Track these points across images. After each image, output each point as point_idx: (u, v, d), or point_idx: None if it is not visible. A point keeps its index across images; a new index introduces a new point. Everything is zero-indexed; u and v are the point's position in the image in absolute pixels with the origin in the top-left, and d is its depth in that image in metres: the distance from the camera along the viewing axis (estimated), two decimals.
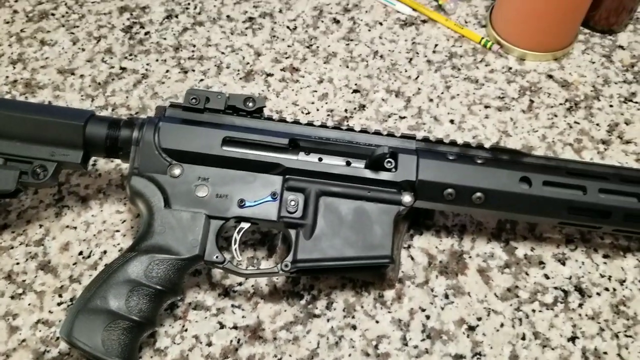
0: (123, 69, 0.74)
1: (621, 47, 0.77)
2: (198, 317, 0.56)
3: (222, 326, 0.56)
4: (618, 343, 0.55)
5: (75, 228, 0.61)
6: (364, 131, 0.57)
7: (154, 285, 0.50)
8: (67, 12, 0.79)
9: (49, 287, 0.58)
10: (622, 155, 0.67)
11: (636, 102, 0.71)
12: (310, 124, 0.57)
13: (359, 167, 0.55)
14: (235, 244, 0.54)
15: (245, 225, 0.54)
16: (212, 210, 0.53)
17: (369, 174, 0.54)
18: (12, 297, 0.56)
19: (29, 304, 0.56)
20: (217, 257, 0.53)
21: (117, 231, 0.61)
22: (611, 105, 0.71)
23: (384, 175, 0.54)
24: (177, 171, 0.54)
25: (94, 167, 0.65)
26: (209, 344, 0.55)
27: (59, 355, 0.54)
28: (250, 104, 0.57)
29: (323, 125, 0.57)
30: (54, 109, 0.57)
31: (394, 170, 0.54)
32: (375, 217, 0.54)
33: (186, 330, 0.56)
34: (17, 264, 0.59)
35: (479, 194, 0.54)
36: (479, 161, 0.55)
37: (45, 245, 0.60)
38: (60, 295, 0.57)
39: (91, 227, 0.61)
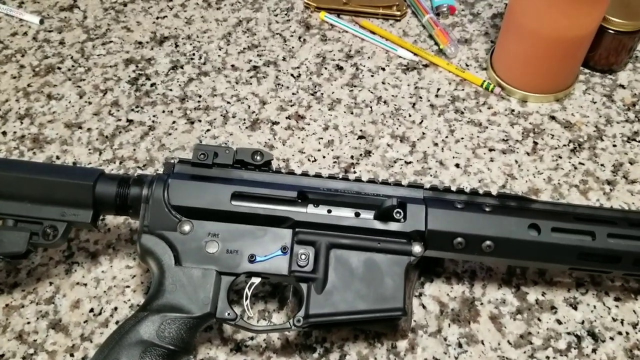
0: (130, 121, 0.74)
1: (622, 86, 0.77)
2: None
3: None
4: None
5: (85, 285, 0.61)
6: (371, 181, 0.57)
7: (167, 345, 0.50)
8: (73, 66, 0.81)
9: (60, 346, 0.57)
10: (628, 195, 0.67)
11: (639, 142, 0.72)
12: (318, 175, 0.58)
13: (368, 218, 0.55)
14: (246, 300, 0.54)
15: (257, 280, 0.54)
16: (222, 267, 0.53)
17: (378, 225, 0.55)
18: (24, 358, 0.56)
19: None
20: (229, 314, 0.53)
21: (128, 287, 0.61)
22: (614, 145, 0.71)
23: (393, 226, 0.54)
24: (187, 228, 0.54)
25: (103, 222, 0.65)
26: None
27: None
28: (258, 158, 0.57)
29: (331, 177, 0.57)
30: (63, 169, 0.57)
31: (403, 220, 0.55)
32: (386, 269, 0.54)
33: None
34: (28, 323, 0.58)
35: (488, 242, 0.54)
36: (487, 209, 0.55)
37: (55, 304, 0.60)
38: (72, 355, 0.57)
39: (101, 284, 0.61)
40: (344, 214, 0.55)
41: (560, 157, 0.70)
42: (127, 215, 0.56)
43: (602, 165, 0.70)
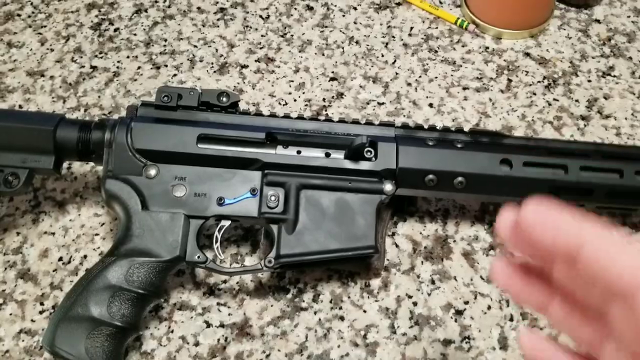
0: (94, 67, 0.72)
1: (597, 20, 0.76)
2: (184, 317, 0.55)
3: (208, 325, 0.55)
4: None
5: (53, 234, 0.60)
6: (342, 121, 0.56)
7: (136, 289, 0.50)
8: (33, 12, 0.77)
9: (29, 295, 0.57)
10: (602, 130, 0.66)
11: (614, 77, 0.71)
12: (287, 116, 0.56)
13: (338, 158, 0.54)
14: (217, 243, 0.53)
15: (226, 223, 0.53)
16: (191, 210, 0.52)
17: (348, 164, 0.54)
18: None
19: (10, 314, 0.55)
20: (198, 257, 0.52)
21: (97, 235, 0.60)
22: (589, 81, 0.71)
23: (364, 165, 0.54)
24: (152, 172, 0.53)
25: (69, 171, 0.64)
26: (196, 344, 0.54)
27: None
28: (224, 99, 0.56)
29: (300, 117, 0.56)
30: (22, 114, 0.56)
31: (373, 159, 0.54)
32: (358, 208, 0.53)
33: (172, 331, 0.55)
34: None
35: (460, 178, 0.54)
36: (458, 145, 0.55)
37: (23, 253, 0.59)
38: (41, 304, 0.56)
39: (70, 232, 0.60)
40: (313, 154, 0.54)
41: (535, 94, 0.69)
42: (90, 160, 0.55)
43: (576, 100, 0.69)
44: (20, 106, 0.68)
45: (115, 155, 0.53)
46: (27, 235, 0.60)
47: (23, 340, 0.54)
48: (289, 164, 0.54)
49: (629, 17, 0.77)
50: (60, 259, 0.59)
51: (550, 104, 0.69)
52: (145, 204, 0.52)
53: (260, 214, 0.53)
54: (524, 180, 0.54)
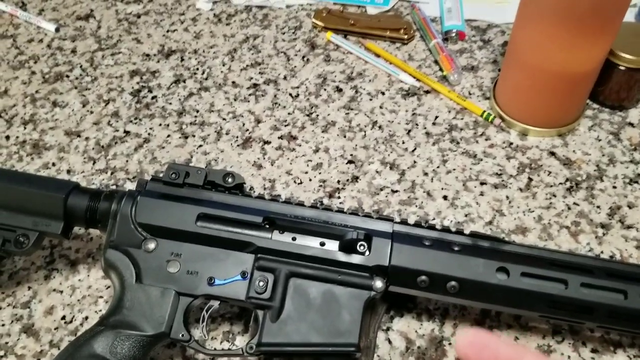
0: (127, 132, 0.76)
1: (631, 124, 0.74)
2: None
3: None
4: None
5: (61, 292, 0.62)
6: (340, 211, 0.57)
7: None
8: (80, 75, 0.83)
9: (29, 350, 0.59)
10: (621, 241, 0.64)
11: None
12: (287, 201, 0.57)
13: (331, 250, 0.54)
14: (203, 322, 0.54)
15: (215, 303, 0.54)
16: (181, 287, 0.54)
17: (341, 256, 0.54)
18: None
19: None
20: (182, 335, 0.53)
21: (101, 297, 0.62)
22: (614, 187, 0.68)
23: (355, 259, 0.53)
24: (151, 245, 0.55)
25: (86, 232, 0.66)
26: None
27: None
28: (230, 180, 0.57)
29: (299, 204, 0.57)
30: (39, 179, 0.59)
31: (367, 253, 0.53)
32: (345, 302, 0.53)
33: None
34: (3, 325, 0.60)
35: (453, 282, 0.53)
36: (455, 248, 0.54)
37: (31, 308, 0.61)
38: None
39: (76, 292, 0.62)
40: (308, 243, 0.54)
41: (555, 196, 0.68)
42: (96, 228, 0.57)
43: (598, 207, 0.66)
44: (53, 164, 0.73)
45: (118, 226, 0.55)
46: (37, 291, 0.62)
47: None
48: (282, 251, 0.54)
49: None
50: (63, 317, 0.61)
51: (569, 208, 0.66)
52: (139, 277, 0.54)
53: (248, 298, 0.53)
54: (520, 292, 0.52)
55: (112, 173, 0.72)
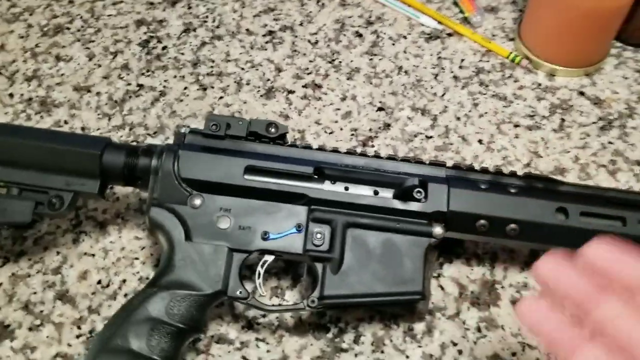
0: (140, 86, 0.72)
1: None
2: (221, 351, 0.54)
3: None
4: None
5: (93, 255, 0.59)
6: (391, 158, 0.55)
7: (176, 323, 0.49)
8: (82, 26, 0.78)
9: (67, 318, 0.56)
10: None
11: None
12: (335, 150, 0.55)
13: (387, 197, 0.52)
14: (259, 278, 0.52)
15: (270, 258, 0.52)
16: (234, 243, 0.51)
17: (398, 204, 0.52)
18: (30, 329, 0.55)
19: (47, 336, 0.55)
20: (240, 292, 0.51)
21: (136, 258, 0.59)
22: None
23: (413, 206, 0.52)
24: (197, 202, 0.52)
25: (112, 191, 0.63)
26: None
27: None
28: (273, 130, 0.55)
29: (349, 152, 0.55)
30: (69, 136, 0.55)
31: (423, 200, 0.52)
32: (405, 250, 0.52)
33: None
34: (35, 293, 0.57)
35: (513, 225, 0.52)
36: (512, 190, 0.53)
37: (62, 274, 0.58)
38: (79, 327, 0.55)
39: (110, 255, 0.59)
40: (362, 192, 0.53)
41: (589, 135, 0.67)
42: (135, 186, 0.54)
43: (632, 145, 0.66)
44: (65, 122, 0.68)
45: (161, 183, 0.52)
46: (67, 256, 0.59)
47: None
48: (336, 201, 0.52)
49: None
50: (99, 282, 0.58)
51: (605, 147, 0.66)
52: (188, 235, 0.51)
53: (305, 251, 0.51)
54: (579, 231, 0.52)
55: (130, 129, 0.68)
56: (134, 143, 0.66)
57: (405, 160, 0.55)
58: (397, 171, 0.54)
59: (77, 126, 0.68)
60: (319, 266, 0.51)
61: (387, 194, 0.53)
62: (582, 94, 0.71)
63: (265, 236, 0.52)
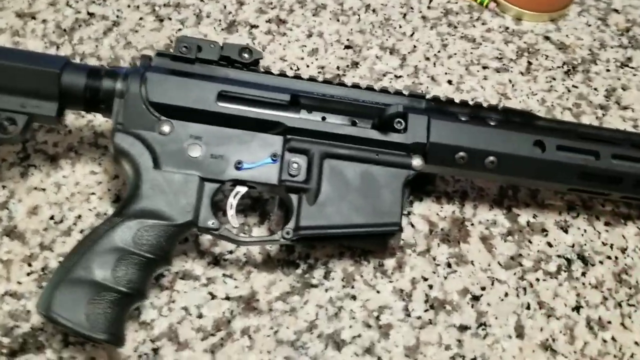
0: (91, 14, 0.66)
1: (616, 10, 0.74)
2: (187, 287, 0.52)
3: (213, 297, 0.52)
4: (621, 312, 0.55)
5: (44, 190, 0.55)
6: (370, 88, 0.53)
7: (144, 253, 0.46)
8: None
9: (16, 255, 0.52)
10: (620, 121, 0.65)
11: (632, 68, 0.70)
12: (312, 79, 0.53)
13: (365, 128, 0.51)
14: (231, 209, 0.49)
15: (242, 190, 0.50)
16: (206, 172, 0.48)
17: (376, 135, 0.51)
18: None
19: None
20: (212, 223, 0.48)
21: (93, 194, 0.55)
22: (608, 70, 0.69)
23: (393, 137, 0.51)
24: (166, 128, 0.48)
25: (63, 124, 0.58)
26: (200, 316, 0.51)
27: (31, 331, 0.49)
28: (247, 55, 0.52)
29: (326, 81, 0.53)
30: (25, 53, 0.50)
31: (403, 131, 0.51)
32: (384, 182, 0.50)
33: (174, 301, 0.51)
34: None
35: (491, 158, 0.51)
36: (492, 123, 0.52)
37: (10, 209, 0.54)
38: (29, 265, 0.51)
39: (63, 189, 0.55)
40: (339, 122, 0.51)
41: (554, 79, 0.67)
42: (97, 111, 0.50)
43: (595, 89, 0.67)
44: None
45: (126, 107, 0.48)
46: (15, 190, 0.55)
47: (7, 304, 0.50)
48: (313, 130, 0.50)
49: None
50: (52, 217, 0.54)
51: (569, 91, 0.67)
52: (157, 163, 0.48)
53: (281, 181, 0.49)
54: (555, 164, 0.52)
55: (81, 59, 0.63)
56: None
57: (384, 91, 0.53)
58: (375, 101, 0.52)
59: None
60: (294, 197, 0.49)
61: (365, 124, 0.51)
62: (547, 38, 0.71)
63: (238, 165, 0.49)
